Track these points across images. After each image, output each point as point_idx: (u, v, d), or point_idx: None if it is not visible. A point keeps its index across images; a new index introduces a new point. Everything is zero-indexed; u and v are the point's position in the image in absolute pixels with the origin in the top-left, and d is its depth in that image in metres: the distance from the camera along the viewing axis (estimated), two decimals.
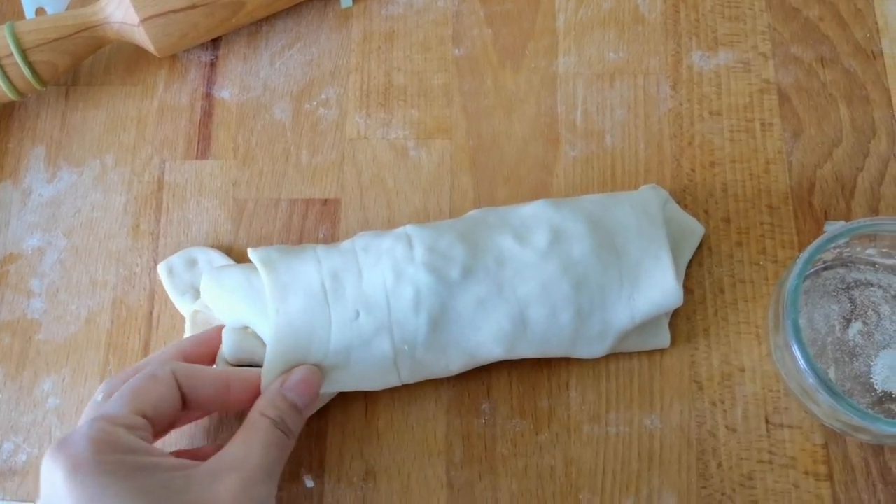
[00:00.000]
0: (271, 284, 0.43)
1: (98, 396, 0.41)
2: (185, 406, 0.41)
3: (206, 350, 0.45)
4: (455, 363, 0.44)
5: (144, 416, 0.39)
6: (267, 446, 0.39)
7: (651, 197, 0.46)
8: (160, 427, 0.40)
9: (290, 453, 0.41)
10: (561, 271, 0.43)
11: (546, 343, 0.44)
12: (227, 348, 0.44)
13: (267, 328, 0.43)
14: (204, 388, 0.41)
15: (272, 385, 0.42)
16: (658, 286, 0.43)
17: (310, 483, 0.46)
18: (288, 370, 0.42)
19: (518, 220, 0.45)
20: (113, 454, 0.36)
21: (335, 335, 0.43)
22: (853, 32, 0.53)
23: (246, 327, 0.45)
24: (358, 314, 0.43)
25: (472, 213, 0.47)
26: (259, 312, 0.44)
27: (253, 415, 0.41)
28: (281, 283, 0.43)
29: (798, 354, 0.41)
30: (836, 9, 0.53)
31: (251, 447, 0.39)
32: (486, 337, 0.43)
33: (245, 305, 0.44)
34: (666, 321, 0.46)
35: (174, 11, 0.51)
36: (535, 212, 0.45)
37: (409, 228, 0.45)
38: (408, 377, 0.44)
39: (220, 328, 0.45)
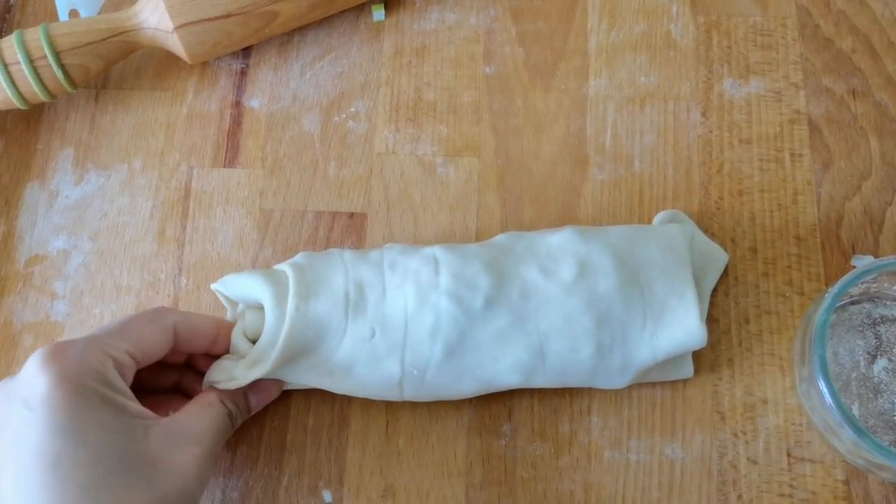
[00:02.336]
0: (297, 282, 0.43)
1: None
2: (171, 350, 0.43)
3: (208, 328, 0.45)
4: (467, 389, 0.44)
5: (132, 356, 0.39)
6: (217, 429, 0.41)
7: (678, 234, 0.46)
8: (140, 366, 0.41)
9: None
10: (584, 306, 0.43)
11: (564, 375, 0.44)
12: (248, 324, 0.44)
13: (274, 314, 0.43)
14: (195, 339, 0.43)
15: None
16: (681, 326, 0.43)
17: (328, 497, 0.46)
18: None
19: (545, 251, 0.44)
20: (96, 382, 0.37)
21: (345, 348, 0.43)
22: (885, 65, 0.53)
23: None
24: (374, 333, 0.43)
25: (500, 238, 0.46)
26: (276, 297, 0.43)
27: (212, 396, 0.42)
28: (306, 283, 0.43)
29: (824, 390, 0.41)
30: (868, 41, 0.53)
31: (206, 426, 0.40)
32: (502, 367, 0.43)
33: (265, 289, 0.44)
34: (690, 353, 0.46)
35: (208, 20, 0.51)
36: (562, 242, 0.45)
37: (437, 251, 0.45)
38: (411, 396, 0.44)
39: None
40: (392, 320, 0.43)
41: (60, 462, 0.35)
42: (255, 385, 0.43)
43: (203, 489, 0.39)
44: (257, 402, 0.44)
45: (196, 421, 0.40)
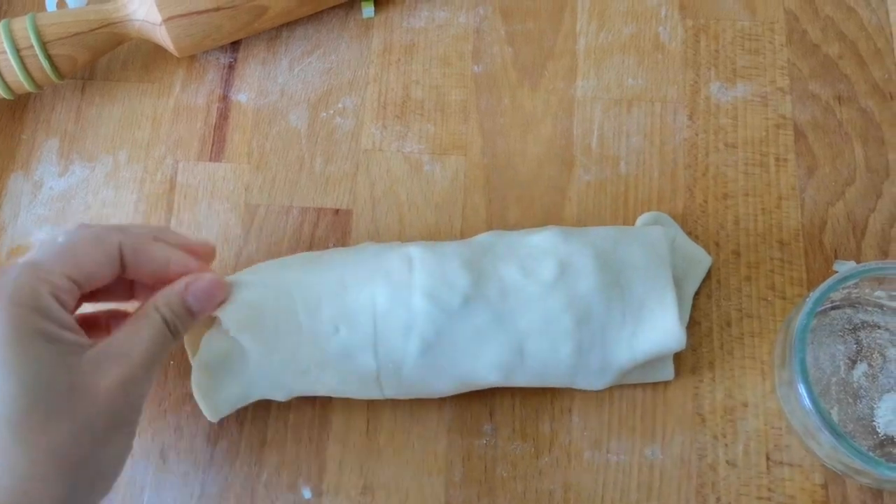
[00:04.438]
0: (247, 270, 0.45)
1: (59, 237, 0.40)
2: (120, 275, 0.41)
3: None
4: (447, 386, 0.44)
5: (73, 280, 0.38)
6: (152, 342, 0.39)
7: (660, 236, 0.46)
8: (85, 290, 0.39)
9: (169, 352, 0.42)
10: (564, 305, 0.43)
11: (544, 374, 0.44)
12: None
13: None
14: (145, 264, 0.41)
15: (176, 284, 0.41)
16: (660, 328, 0.43)
17: (307, 494, 0.45)
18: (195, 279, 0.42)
19: (525, 250, 0.44)
20: (28, 311, 0.36)
21: (308, 343, 0.43)
22: (872, 72, 0.53)
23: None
24: (338, 329, 0.43)
25: (482, 236, 0.46)
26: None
27: (148, 307, 0.40)
28: (248, 279, 0.44)
29: (804, 394, 0.41)
30: (855, 48, 0.53)
31: (137, 340, 0.39)
32: (481, 365, 0.43)
33: None
34: (670, 355, 0.46)
35: (197, 13, 0.51)
36: (543, 242, 0.45)
37: (412, 249, 0.45)
38: (392, 393, 0.44)
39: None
40: (357, 316, 0.43)
41: None
42: (193, 284, 0.41)
43: (138, 409, 0.39)
44: (198, 305, 0.41)
45: (128, 339, 0.39)
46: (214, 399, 0.43)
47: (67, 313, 0.38)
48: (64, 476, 0.35)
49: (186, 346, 0.45)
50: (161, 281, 0.42)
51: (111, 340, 0.38)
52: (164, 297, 0.40)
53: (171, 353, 0.48)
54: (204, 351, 0.43)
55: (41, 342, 0.36)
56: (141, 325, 0.39)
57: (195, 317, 0.41)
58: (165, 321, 0.40)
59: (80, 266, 0.38)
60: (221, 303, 0.42)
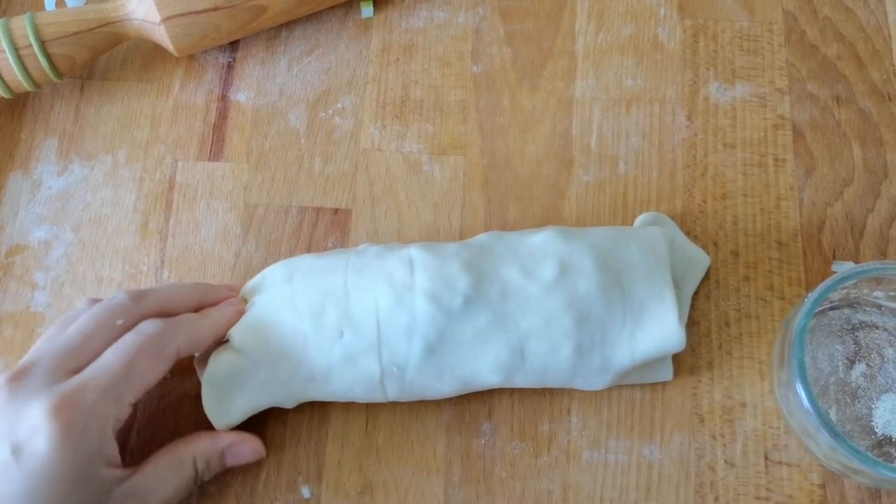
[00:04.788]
0: (246, 287, 0.45)
1: (118, 321, 0.41)
2: None
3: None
4: (448, 388, 0.44)
5: (131, 406, 0.39)
6: (177, 490, 0.41)
7: (658, 237, 0.46)
8: None
9: None
10: (564, 306, 0.43)
11: (544, 375, 0.44)
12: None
13: None
14: (197, 351, 0.43)
15: (220, 440, 0.43)
16: (660, 328, 0.43)
17: (306, 493, 0.45)
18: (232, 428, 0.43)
19: (525, 251, 0.44)
20: (88, 453, 0.36)
21: (315, 350, 0.43)
22: (870, 73, 0.53)
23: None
24: (342, 333, 0.43)
25: (482, 237, 0.46)
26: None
27: (185, 454, 0.41)
28: (252, 284, 0.45)
29: (802, 394, 0.41)
30: (854, 49, 0.54)
31: (164, 484, 0.40)
32: (482, 366, 0.43)
33: None
34: (669, 355, 0.46)
35: (196, 12, 0.51)
36: (543, 242, 0.45)
37: (413, 251, 0.45)
38: (395, 396, 0.44)
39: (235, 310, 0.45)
40: (362, 320, 0.43)
41: None
42: (237, 447, 0.43)
43: None
44: (233, 462, 0.44)
45: (155, 484, 0.40)
46: (225, 413, 0.43)
47: (115, 446, 0.38)
48: None
49: (196, 365, 0.45)
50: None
51: (140, 482, 0.39)
52: (204, 451, 0.42)
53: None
54: (213, 367, 0.43)
55: (84, 481, 0.36)
56: (173, 470, 0.41)
57: (222, 468, 0.44)
58: (197, 473, 0.42)
59: (140, 388, 0.39)
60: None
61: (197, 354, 0.45)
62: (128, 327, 0.41)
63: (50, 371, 0.38)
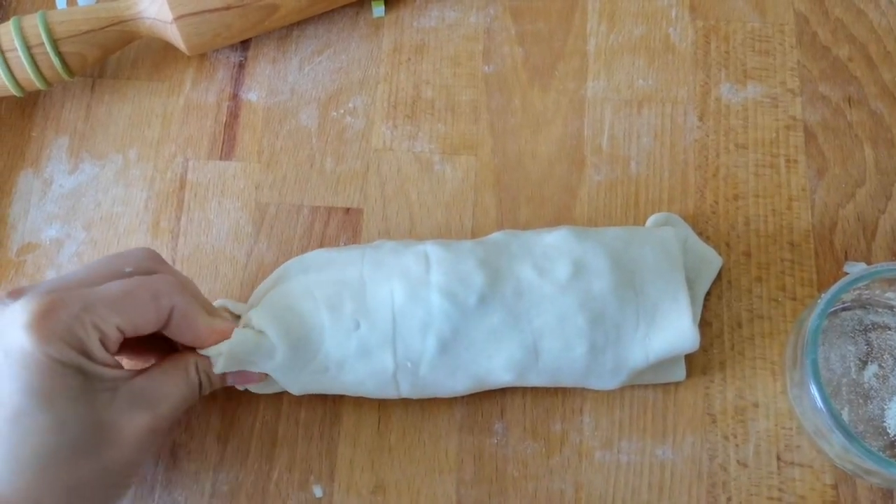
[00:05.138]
0: (263, 285, 0.46)
1: (127, 269, 0.41)
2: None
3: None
4: (461, 385, 0.44)
5: (121, 330, 0.39)
6: (183, 398, 0.41)
7: (672, 237, 0.46)
8: (127, 337, 0.40)
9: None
10: (578, 305, 0.43)
11: (558, 374, 0.44)
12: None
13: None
14: (186, 332, 0.42)
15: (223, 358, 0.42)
16: (674, 328, 0.43)
17: (318, 492, 0.45)
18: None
19: (540, 250, 0.45)
20: (76, 352, 0.37)
21: (331, 340, 0.43)
22: (881, 74, 0.53)
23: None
24: (358, 325, 0.43)
25: (496, 235, 0.46)
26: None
27: (189, 363, 0.42)
28: (269, 281, 0.46)
29: (815, 394, 0.41)
30: (865, 50, 0.54)
31: (170, 392, 0.40)
32: (496, 364, 0.43)
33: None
34: (682, 355, 0.46)
35: (208, 11, 0.51)
36: (557, 241, 0.45)
37: (429, 248, 0.45)
38: (408, 392, 0.44)
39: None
40: (378, 313, 0.43)
41: (21, 420, 0.35)
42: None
43: (146, 457, 0.40)
44: (234, 381, 0.44)
45: (162, 386, 0.40)
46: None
47: (109, 353, 0.39)
48: None
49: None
50: (194, 345, 0.43)
51: (146, 383, 0.40)
52: (205, 362, 0.42)
53: None
54: (236, 342, 0.42)
55: (82, 380, 0.37)
56: (178, 379, 0.41)
57: (224, 384, 0.44)
58: (200, 383, 0.42)
59: (131, 319, 0.39)
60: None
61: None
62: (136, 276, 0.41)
63: (46, 290, 0.38)
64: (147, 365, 0.43)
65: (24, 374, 0.35)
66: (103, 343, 0.38)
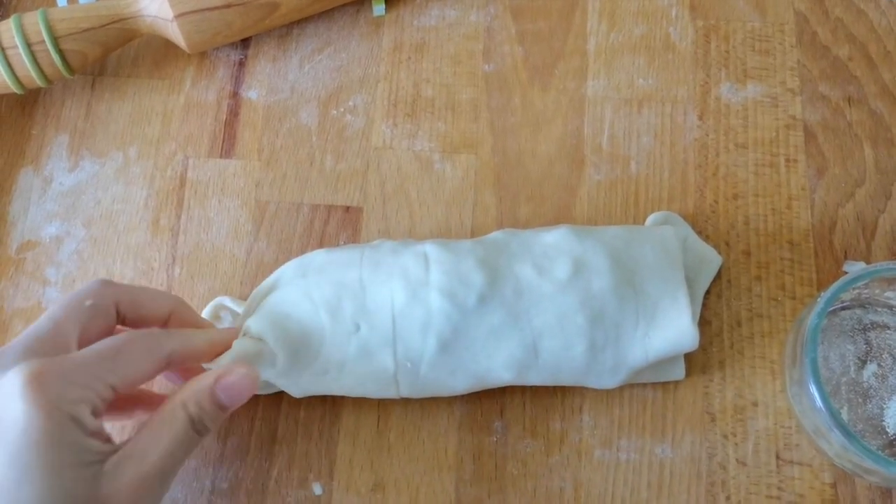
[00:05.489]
0: (261, 287, 0.45)
1: (87, 300, 0.40)
2: None
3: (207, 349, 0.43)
4: (461, 385, 0.44)
5: (115, 389, 0.37)
6: (173, 443, 0.38)
7: (671, 236, 0.46)
8: (121, 394, 0.39)
9: (196, 448, 0.40)
10: (578, 304, 0.43)
11: (557, 373, 0.44)
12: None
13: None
14: (188, 361, 0.41)
15: (205, 378, 0.39)
16: (673, 327, 0.43)
17: (318, 490, 0.45)
18: (224, 368, 0.40)
19: (539, 249, 0.45)
20: (67, 422, 0.35)
21: (331, 343, 0.43)
22: (881, 74, 0.53)
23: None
24: (359, 327, 0.43)
25: (495, 234, 0.46)
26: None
27: (174, 404, 0.39)
28: (267, 284, 0.45)
29: (815, 393, 0.41)
30: (865, 49, 0.54)
31: (157, 441, 0.37)
32: (496, 363, 0.43)
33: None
34: (681, 354, 0.46)
35: (209, 9, 0.51)
36: (557, 241, 0.45)
37: (428, 248, 0.45)
38: (408, 392, 0.44)
39: (233, 333, 0.44)
40: (377, 314, 0.43)
41: (3, 492, 0.34)
42: (224, 379, 0.40)
43: None
44: (230, 399, 0.40)
45: (149, 439, 0.38)
46: None
47: (98, 421, 0.37)
48: None
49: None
50: (196, 363, 0.42)
51: (133, 441, 0.38)
52: (193, 393, 0.39)
53: None
54: (235, 353, 0.42)
55: (70, 454, 0.35)
56: (164, 425, 0.38)
57: (226, 411, 0.40)
58: (191, 420, 0.38)
59: (125, 376, 0.38)
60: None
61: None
62: (98, 309, 0.40)
63: (24, 353, 0.37)
64: (131, 420, 0.42)
65: (11, 446, 0.34)
66: (94, 409, 0.36)
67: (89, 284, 0.41)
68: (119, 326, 0.42)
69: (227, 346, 0.42)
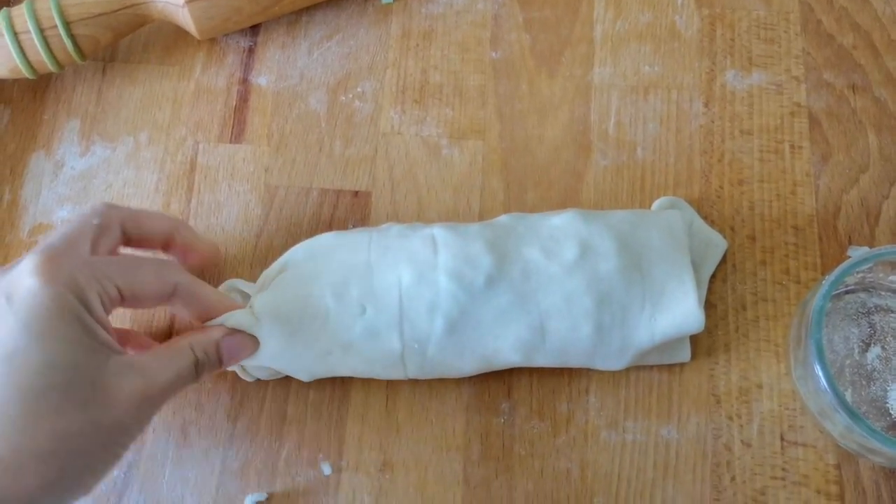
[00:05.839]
0: (270, 270, 0.46)
1: (94, 219, 0.41)
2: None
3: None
4: (469, 366, 0.45)
5: (122, 295, 0.39)
6: (179, 375, 0.40)
7: (677, 220, 0.47)
8: (125, 307, 0.41)
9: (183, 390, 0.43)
10: (585, 286, 0.43)
11: (564, 355, 0.45)
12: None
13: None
14: (193, 305, 0.43)
15: (214, 332, 0.42)
16: (679, 310, 0.44)
17: (327, 470, 0.46)
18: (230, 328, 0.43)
19: (547, 232, 0.45)
20: (76, 301, 0.37)
21: (335, 324, 0.43)
22: (885, 62, 0.54)
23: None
24: (365, 309, 0.43)
25: (503, 218, 0.47)
26: None
27: (183, 342, 0.42)
28: (276, 266, 0.46)
29: (820, 375, 0.41)
30: (869, 38, 0.54)
31: (167, 367, 0.40)
32: (503, 344, 0.44)
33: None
34: (687, 337, 0.47)
35: None
36: (564, 224, 0.45)
37: (436, 231, 0.45)
38: (415, 374, 0.45)
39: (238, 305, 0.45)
40: (384, 296, 0.43)
41: (14, 358, 0.35)
42: (230, 338, 0.43)
43: (141, 428, 0.39)
44: (228, 356, 0.43)
45: (158, 363, 0.40)
46: (247, 370, 0.46)
47: (106, 316, 0.39)
48: (59, 461, 0.36)
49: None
50: (202, 317, 0.43)
51: (141, 359, 0.40)
52: (201, 341, 0.42)
53: None
54: (237, 318, 0.43)
55: (79, 330, 0.37)
56: (174, 356, 0.41)
57: (221, 366, 0.43)
58: (196, 361, 0.41)
59: (133, 288, 0.40)
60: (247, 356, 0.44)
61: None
62: (105, 228, 0.42)
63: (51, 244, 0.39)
64: None
65: (23, 315, 0.36)
66: (103, 303, 0.38)
67: (95, 206, 0.43)
68: (123, 248, 0.44)
69: (234, 305, 0.44)
